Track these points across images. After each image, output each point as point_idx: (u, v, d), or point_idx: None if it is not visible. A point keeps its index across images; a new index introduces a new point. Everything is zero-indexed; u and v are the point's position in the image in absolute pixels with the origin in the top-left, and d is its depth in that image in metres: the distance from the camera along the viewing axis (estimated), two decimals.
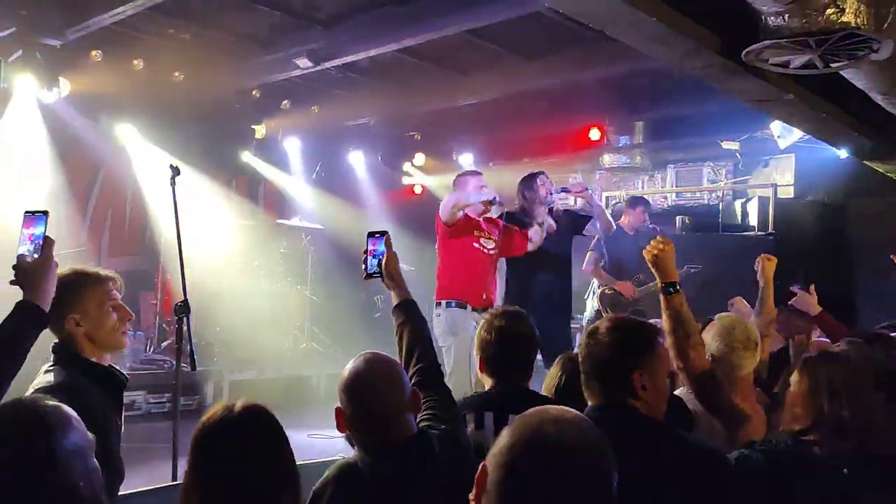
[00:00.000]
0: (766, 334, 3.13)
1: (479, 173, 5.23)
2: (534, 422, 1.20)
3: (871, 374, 2.17)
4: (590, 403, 2.03)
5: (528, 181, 5.23)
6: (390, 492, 1.92)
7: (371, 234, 2.58)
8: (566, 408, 1.27)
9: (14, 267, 1.89)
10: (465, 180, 5.11)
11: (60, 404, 1.45)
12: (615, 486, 1.18)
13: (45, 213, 1.95)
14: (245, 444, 1.52)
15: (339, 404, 2.04)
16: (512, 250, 5.14)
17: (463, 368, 4.50)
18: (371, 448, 1.98)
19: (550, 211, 5.12)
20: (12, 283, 1.90)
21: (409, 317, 2.40)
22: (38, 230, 1.92)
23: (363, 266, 2.55)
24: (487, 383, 2.57)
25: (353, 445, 2.05)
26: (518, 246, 5.11)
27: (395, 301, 2.46)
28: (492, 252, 5.04)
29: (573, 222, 5.46)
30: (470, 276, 4.88)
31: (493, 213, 5.07)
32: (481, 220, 5.03)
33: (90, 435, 1.45)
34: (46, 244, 1.90)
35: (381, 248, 2.53)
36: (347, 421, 2.01)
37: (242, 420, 1.54)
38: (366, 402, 1.99)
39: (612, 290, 6.14)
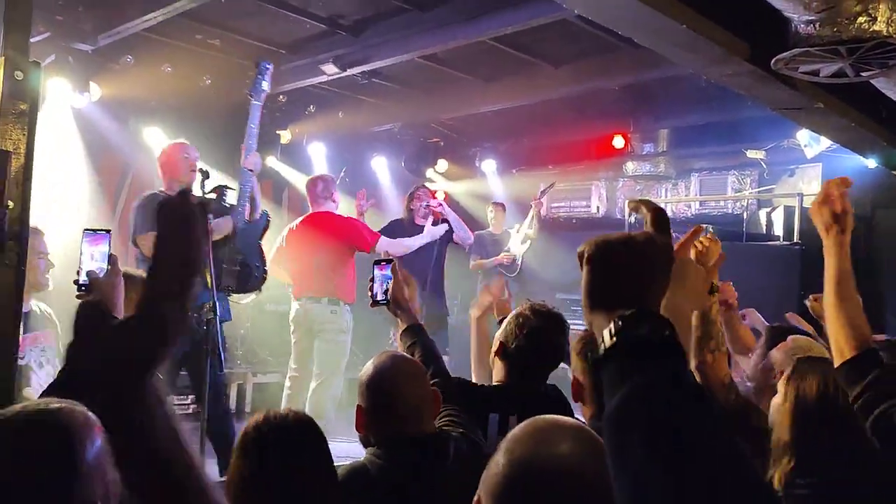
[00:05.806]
0: None
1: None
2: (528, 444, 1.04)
3: None
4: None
5: (410, 195, 6.46)
6: (400, 489, 1.90)
7: (377, 262, 2.67)
8: (560, 418, 1.13)
9: (88, 283, 1.96)
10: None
11: (84, 410, 1.26)
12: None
13: (108, 231, 2.05)
14: (301, 445, 1.56)
15: (359, 402, 2.06)
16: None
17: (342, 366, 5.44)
18: (387, 442, 1.98)
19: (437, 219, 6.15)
20: (78, 297, 1.97)
21: (419, 339, 2.54)
22: (103, 248, 2.02)
23: (369, 293, 2.65)
24: (499, 373, 2.51)
25: (366, 447, 2.05)
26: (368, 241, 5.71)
27: (402, 326, 2.58)
28: None
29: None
30: (353, 277, 5.63)
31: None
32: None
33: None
34: (113, 261, 1.99)
35: (388, 275, 2.62)
36: (367, 416, 2.03)
37: (296, 424, 1.58)
38: (387, 394, 2.02)
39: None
